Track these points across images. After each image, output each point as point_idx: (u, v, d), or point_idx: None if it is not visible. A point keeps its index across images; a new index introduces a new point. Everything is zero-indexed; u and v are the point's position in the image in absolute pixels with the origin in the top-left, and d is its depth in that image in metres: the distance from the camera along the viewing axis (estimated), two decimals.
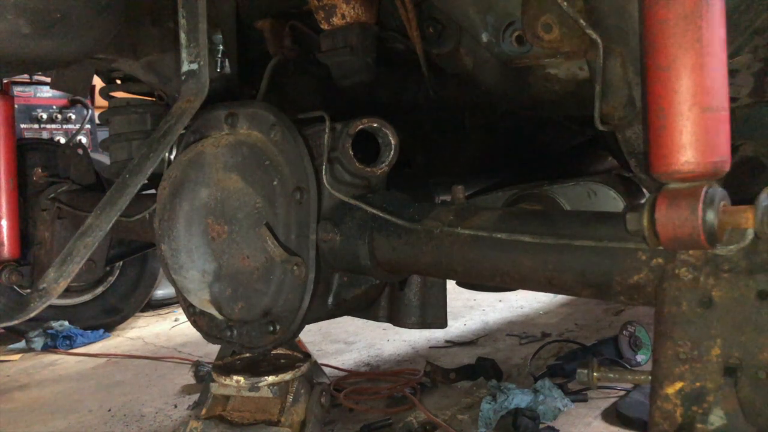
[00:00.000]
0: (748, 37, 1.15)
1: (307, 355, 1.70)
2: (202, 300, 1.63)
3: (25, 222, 2.62)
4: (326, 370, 2.66)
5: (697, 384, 0.87)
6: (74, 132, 4.57)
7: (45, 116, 4.51)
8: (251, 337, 1.58)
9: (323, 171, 1.43)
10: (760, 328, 0.85)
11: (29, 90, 4.47)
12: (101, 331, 3.60)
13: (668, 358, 0.90)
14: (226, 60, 1.72)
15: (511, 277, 1.16)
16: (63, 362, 3.20)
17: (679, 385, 0.89)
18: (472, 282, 1.45)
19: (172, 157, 1.82)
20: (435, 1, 1.43)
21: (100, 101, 4.31)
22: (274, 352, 1.66)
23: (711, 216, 0.79)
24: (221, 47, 1.72)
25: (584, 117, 1.39)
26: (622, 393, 2.31)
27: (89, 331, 3.53)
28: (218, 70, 1.71)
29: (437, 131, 2.36)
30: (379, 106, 1.89)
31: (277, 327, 1.52)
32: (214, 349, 2.02)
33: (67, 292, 3.48)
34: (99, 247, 2.28)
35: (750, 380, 0.85)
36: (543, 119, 2.38)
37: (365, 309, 1.67)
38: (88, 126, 4.67)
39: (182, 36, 1.40)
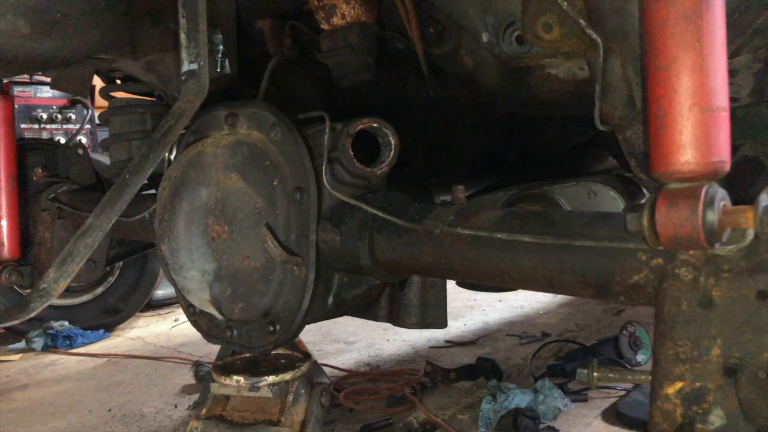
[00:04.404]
0: (748, 37, 1.15)
1: (307, 355, 1.70)
2: (202, 300, 1.63)
3: (25, 222, 2.62)
4: (326, 370, 2.65)
5: (697, 384, 0.87)
6: (74, 132, 4.57)
7: (45, 116, 4.51)
8: (251, 337, 1.58)
9: (323, 171, 1.43)
10: (760, 329, 0.85)
11: (29, 90, 4.47)
12: (101, 331, 3.60)
13: (668, 358, 0.90)
14: (226, 60, 1.72)
15: (511, 277, 1.16)
16: (63, 362, 3.20)
17: (679, 385, 0.89)
18: (472, 282, 1.45)
19: (172, 157, 1.82)
20: (435, 1, 1.43)
21: (100, 101, 4.31)
22: (274, 352, 1.66)
23: (711, 216, 0.79)
24: (221, 47, 1.71)
25: (584, 117, 1.39)
26: (622, 393, 2.31)
27: (89, 331, 3.53)
28: (218, 70, 1.71)
29: (437, 131, 2.36)
30: (379, 106, 1.89)
31: (277, 327, 1.52)
32: (214, 349, 2.02)
33: (67, 292, 3.48)
34: (99, 247, 2.28)
35: (750, 380, 0.85)
36: (543, 119, 2.38)
37: (365, 309, 1.67)
38: (88, 126, 4.67)
39: (182, 36, 1.40)
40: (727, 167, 0.81)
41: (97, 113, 4.60)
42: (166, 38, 1.77)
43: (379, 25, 1.61)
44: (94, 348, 3.41)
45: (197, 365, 2.73)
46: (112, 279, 3.67)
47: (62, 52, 1.46)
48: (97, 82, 2.33)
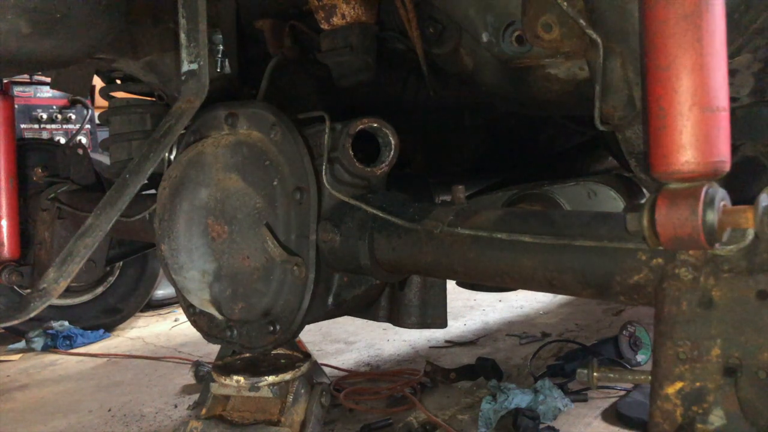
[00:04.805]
0: (748, 37, 1.15)
1: (307, 355, 1.70)
2: (202, 300, 1.63)
3: (25, 222, 2.62)
4: (326, 370, 2.65)
5: (697, 384, 0.87)
6: (74, 132, 4.57)
7: (45, 116, 4.51)
8: (251, 337, 1.58)
9: (323, 171, 1.43)
10: (760, 328, 0.85)
11: (29, 90, 4.47)
12: (101, 331, 3.60)
13: (668, 358, 0.90)
14: (226, 60, 1.72)
15: (511, 277, 1.16)
16: (63, 362, 3.20)
17: (679, 385, 0.89)
18: (472, 282, 1.45)
19: (172, 157, 1.82)
20: (435, 1, 1.43)
21: (100, 101, 4.31)
22: (274, 352, 1.66)
23: (711, 216, 0.79)
24: (221, 47, 1.72)
25: (584, 117, 1.40)
26: (622, 393, 2.31)
27: (89, 331, 3.53)
28: (218, 70, 1.71)
29: (437, 131, 2.36)
30: (379, 106, 1.89)
31: (277, 327, 1.52)
32: (214, 349, 2.01)
33: (67, 292, 3.48)
34: (99, 247, 2.28)
35: (750, 380, 0.85)
36: (543, 119, 2.39)
37: (365, 309, 1.67)
38: (88, 126, 4.67)
39: (182, 36, 1.40)
40: (727, 167, 0.81)
41: (97, 113, 4.60)
42: (166, 38, 1.77)
43: (379, 25, 1.61)
44: (94, 348, 3.41)
45: (197, 365, 2.73)
46: (112, 279, 3.67)
47: (62, 52, 1.46)
48: (97, 82, 2.33)
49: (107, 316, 3.69)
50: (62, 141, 4.26)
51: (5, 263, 2.47)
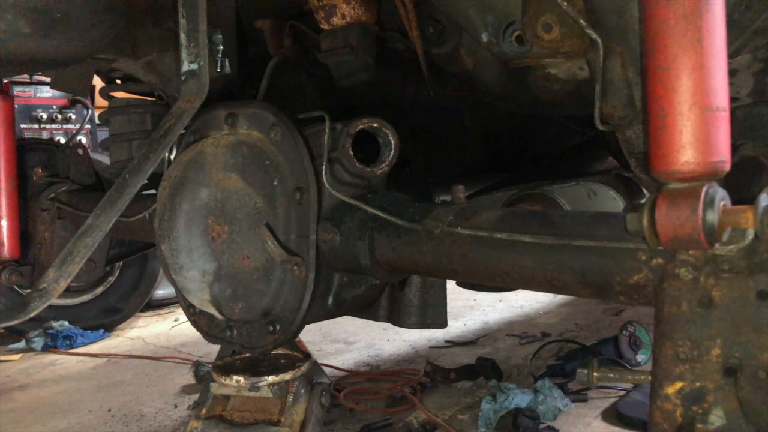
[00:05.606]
0: (748, 37, 1.15)
1: (307, 355, 1.70)
2: (202, 300, 1.63)
3: (25, 222, 2.62)
4: (326, 370, 2.66)
5: (697, 384, 0.87)
6: (74, 132, 4.57)
7: (45, 116, 4.51)
8: (251, 337, 1.58)
9: (323, 171, 1.43)
10: (760, 328, 0.85)
11: (29, 90, 4.47)
12: (101, 331, 3.60)
13: (668, 358, 0.90)
14: (226, 60, 1.72)
15: (512, 277, 1.16)
16: (63, 362, 3.20)
17: (679, 385, 0.89)
18: (472, 282, 1.45)
19: (172, 157, 1.82)
20: (435, 1, 1.43)
21: (100, 101, 4.31)
22: (274, 352, 1.66)
23: (711, 216, 0.79)
24: (221, 47, 1.71)
25: (584, 117, 1.40)
26: (622, 393, 2.31)
27: (89, 331, 3.53)
28: (218, 70, 1.71)
29: (437, 131, 2.36)
30: (379, 106, 1.89)
31: (277, 327, 1.52)
32: (214, 349, 2.01)
33: (67, 292, 3.48)
34: (99, 247, 2.28)
35: (750, 380, 0.85)
36: (543, 119, 2.38)
37: (365, 309, 1.67)
38: (88, 126, 4.67)
39: (182, 36, 1.40)
40: (727, 167, 0.81)
41: (97, 113, 4.60)
42: (166, 38, 1.77)
43: (379, 25, 1.61)
44: (94, 348, 3.41)
45: (197, 365, 2.73)
46: (112, 279, 3.67)
47: (62, 52, 1.46)
48: (97, 82, 2.33)
49: (107, 316, 3.69)
50: (62, 141, 4.26)
51: (5, 263, 2.46)
